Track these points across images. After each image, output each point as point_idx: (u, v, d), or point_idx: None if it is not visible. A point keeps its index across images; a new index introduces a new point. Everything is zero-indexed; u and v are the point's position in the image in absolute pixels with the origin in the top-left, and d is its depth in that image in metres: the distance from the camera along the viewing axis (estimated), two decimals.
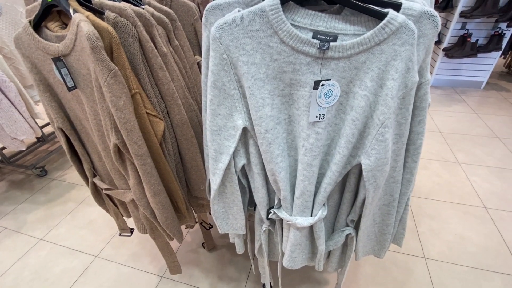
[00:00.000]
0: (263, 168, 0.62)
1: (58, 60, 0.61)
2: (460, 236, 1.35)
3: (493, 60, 2.74)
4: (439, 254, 1.27)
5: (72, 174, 1.97)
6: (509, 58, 3.29)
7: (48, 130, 2.46)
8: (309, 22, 0.46)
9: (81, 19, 0.54)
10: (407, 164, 0.59)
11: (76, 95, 0.69)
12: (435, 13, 0.44)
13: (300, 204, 0.61)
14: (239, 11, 0.48)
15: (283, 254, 0.77)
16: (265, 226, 0.72)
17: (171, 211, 0.77)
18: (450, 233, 1.37)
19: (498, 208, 1.50)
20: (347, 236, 0.70)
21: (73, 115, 0.76)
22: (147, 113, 0.65)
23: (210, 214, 1.50)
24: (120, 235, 1.05)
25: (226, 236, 1.43)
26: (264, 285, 0.99)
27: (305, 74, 0.49)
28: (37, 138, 2.12)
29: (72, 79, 0.64)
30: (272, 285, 0.99)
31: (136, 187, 0.74)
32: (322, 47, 0.45)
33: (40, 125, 1.98)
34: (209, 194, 0.86)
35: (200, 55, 0.94)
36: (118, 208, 0.96)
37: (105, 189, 0.85)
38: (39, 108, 1.77)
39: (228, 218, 0.73)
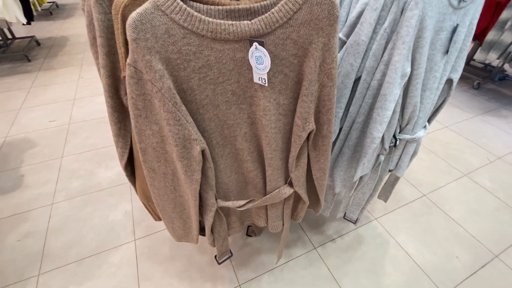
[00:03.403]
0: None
1: (258, 43, 0.44)
2: None
3: None
4: None
5: None
6: None
7: None
8: None
9: None
10: None
11: (239, 94, 0.52)
12: None
13: (421, 122, 0.84)
14: None
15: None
16: (382, 157, 0.91)
17: None
18: None
19: None
20: None
21: (213, 126, 0.55)
22: None
23: None
24: (220, 263, 0.87)
25: None
26: (345, 214, 1.19)
27: (446, 21, 0.68)
28: None
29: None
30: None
31: (302, 173, 0.69)
32: (463, 0, 0.66)
33: None
34: None
35: None
36: (229, 230, 0.80)
37: (243, 205, 0.69)
38: None
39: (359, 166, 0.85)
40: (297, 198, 0.79)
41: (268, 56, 0.44)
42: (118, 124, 0.56)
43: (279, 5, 0.43)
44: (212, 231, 0.77)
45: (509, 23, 2.06)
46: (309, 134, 0.60)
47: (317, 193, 0.78)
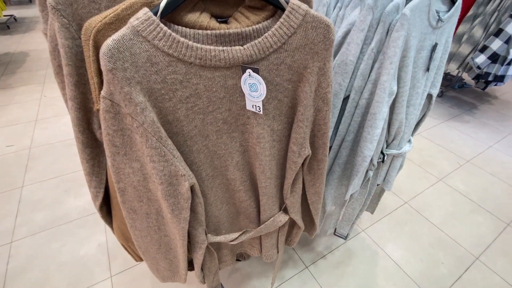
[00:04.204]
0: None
1: (251, 70, 0.40)
2: None
3: None
4: None
5: None
6: None
7: None
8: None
9: (305, 5, 0.40)
10: None
11: (230, 122, 0.47)
12: None
13: (406, 137, 0.85)
14: None
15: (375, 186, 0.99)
16: (371, 172, 0.90)
17: None
18: None
19: None
20: None
21: (203, 157, 0.49)
22: None
23: None
24: None
25: None
26: (335, 230, 1.17)
27: (427, 41, 0.70)
28: None
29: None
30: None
31: (297, 199, 0.65)
32: (441, 20, 0.68)
33: None
34: None
35: None
36: (220, 264, 0.74)
37: (236, 238, 0.64)
38: None
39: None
40: (291, 223, 0.75)
41: (264, 83, 0.41)
42: (91, 161, 0.49)
43: (272, 29, 0.40)
44: (201, 267, 0.70)
45: (465, 37, 2.25)
46: (304, 159, 0.57)
47: (311, 217, 0.75)
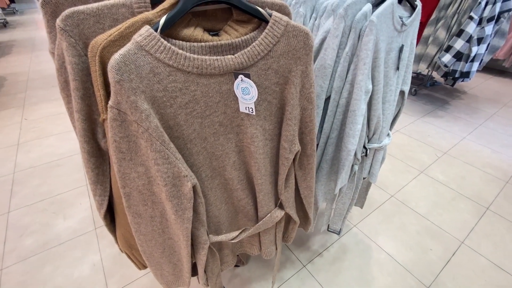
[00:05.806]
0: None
1: (241, 76, 0.45)
2: None
3: None
4: None
5: None
6: None
7: None
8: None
9: (285, 17, 0.46)
10: None
11: (226, 124, 0.52)
12: None
13: (385, 131, 0.92)
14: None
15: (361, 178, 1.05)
16: (356, 166, 0.96)
17: None
18: None
19: None
20: None
21: (202, 159, 0.53)
22: None
23: None
24: None
25: None
26: (328, 226, 1.21)
27: (394, 43, 0.78)
28: None
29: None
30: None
31: (291, 194, 0.69)
32: (404, 25, 0.77)
33: None
34: None
35: None
36: (222, 265, 0.76)
37: (236, 237, 0.67)
38: None
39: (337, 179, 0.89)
40: (287, 219, 0.79)
41: (255, 87, 0.46)
42: (96, 170, 0.51)
43: (259, 39, 0.46)
44: (205, 269, 0.72)
45: (431, 38, 2.44)
46: (295, 155, 0.62)
47: (305, 211, 0.79)
